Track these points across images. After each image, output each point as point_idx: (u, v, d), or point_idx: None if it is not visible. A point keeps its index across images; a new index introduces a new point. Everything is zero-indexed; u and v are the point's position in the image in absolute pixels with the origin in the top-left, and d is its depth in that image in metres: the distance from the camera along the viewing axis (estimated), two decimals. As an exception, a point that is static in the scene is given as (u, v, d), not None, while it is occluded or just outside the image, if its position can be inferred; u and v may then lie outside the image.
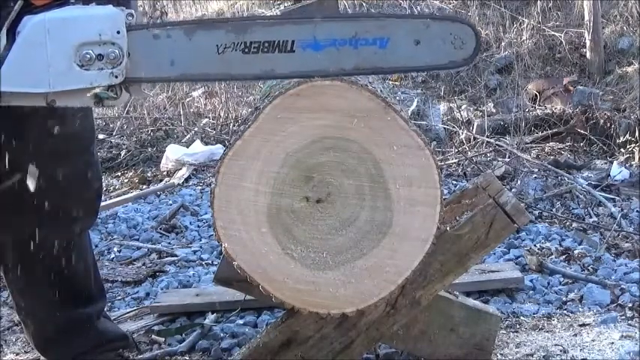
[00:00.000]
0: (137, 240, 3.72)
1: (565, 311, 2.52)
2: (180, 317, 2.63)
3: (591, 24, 6.51)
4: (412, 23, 1.62)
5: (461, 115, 5.71)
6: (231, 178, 1.57)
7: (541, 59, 6.81)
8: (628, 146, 4.76)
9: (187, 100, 6.24)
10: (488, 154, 4.82)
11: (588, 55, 6.65)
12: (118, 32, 1.53)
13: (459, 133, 5.24)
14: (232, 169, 1.57)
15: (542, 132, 5.34)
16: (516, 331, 2.37)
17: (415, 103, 5.66)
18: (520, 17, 7.16)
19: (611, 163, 4.57)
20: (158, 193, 4.70)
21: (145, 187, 4.93)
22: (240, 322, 2.56)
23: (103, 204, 4.09)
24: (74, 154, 1.96)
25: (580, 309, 2.54)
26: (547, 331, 2.36)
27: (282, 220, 1.58)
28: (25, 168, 1.86)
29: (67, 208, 1.98)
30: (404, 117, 1.59)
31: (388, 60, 1.61)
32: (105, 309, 2.29)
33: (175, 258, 3.39)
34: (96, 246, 3.54)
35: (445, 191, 3.55)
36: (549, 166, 4.44)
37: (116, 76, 1.54)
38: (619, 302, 2.55)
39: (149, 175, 5.20)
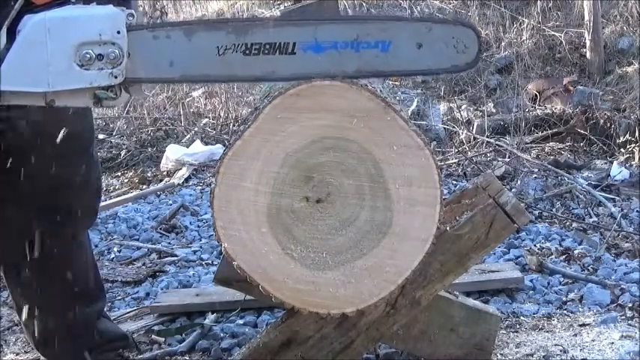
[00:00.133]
0: (137, 240, 3.72)
1: (565, 311, 2.52)
2: (180, 317, 2.63)
3: (591, 24, 6.51)
4: (414, 26, 1.62)
5: (461, 115, 5.71)
6: (231, 178, 1.57)
7: (541, 59, 6.81)
8: (628, 146, 4.76)
9: (187, 100, 6.25)
10: (489, 154, 4.82)
11: (588, 55, 6.65)
12: (119, 32, 1.53)
13: (459, 133, 5.24)
14: (232, 169, 1.57)
15: (542, 132, 5.34)
16: (516, 331, 2.37)
17: (415, 103, 5.66)
18: (520, 17, 7.16)
19: (611, 163, 4.57)
20: (158, 193, 4.71)
21: (145, 187, 4.94)
22: (240, 322, 2.56)
23: (103, 204, 4.10)
24: (74, 155, 1.96)
25: (580, 309, 2.54)
26: (547, 331, 2.36)
27: (282, 220, 1.58)
28: (25, 168, 1.86)
29: (66, 208, 1.98)
30: (404, 117, 1.58)
31: (390, 63, 1.60)
32: (105, 309, 2.29)
33: (175, 258, 3.39)
34: (96, 246, 3.54)
35: (445, 191, 3.55)
36: (549, 166, 4.44)
37: (116, 77, 1.54)
38: (619, 302, 2.55)
39: (149, 175, 5.20)
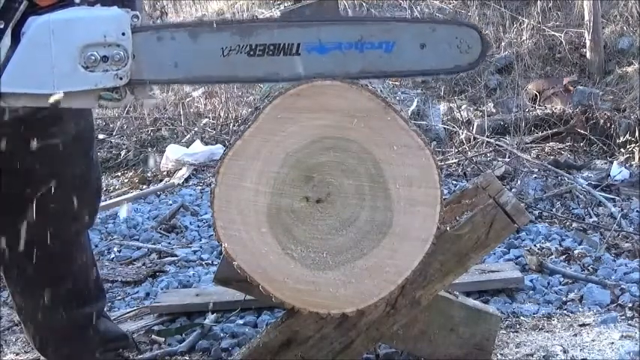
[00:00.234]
0: (137, 240, 3.72)
1: (565, 311, 2.52)
2: (180, 317, 2.63)
3: (591, 24, 6.51)
4: (418, 27, 1.62)
5: (461, 115, 5.71)
6: (231, 178, 1.57)
7: (541, 59, 6.81)
8: (628, 146, 4.76)
9: (187, 100, 6.25)
10: (488, 154, 4.82)
11: (588, 55, 6.65)
12: (123, 34, 1.52)
13: (459, 133, 5.24)
14: (232, 169, 1.57)
15: (542, 132, 5.34)
16: (516, 331, 2.37)
17: (415, 103, 5.66)
18: (520, 17, 7.16)
19: (611, 163, 4.57)
20: (158, 193, 4.71)
21: (145, 187, 4.94)
22: (240, 322, 2.56)
23: (103, 204, 4.10)
24: (74, 155, 1.96)
25: (580, 309, 2.54)
26: (547, 331, 2.36)
27: (282, 220, 1.58)
28: (25, 169, 1.86)
29: (66, 209, 1.98)
30: (404, 117, 1.59)
31: (394, 64, 1.61)
32: (105, 309, 2.29)
33: (175, 258, 3.39)
34: (96, 246, 3.54)
35: (445, 191, 3.55)
36: (549, 166, 4.44)
37: (121, 78, 1.54)
38: (619, 302, 2.55)
39: (149, 175, 5.20)
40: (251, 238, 1.58)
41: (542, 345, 2.24)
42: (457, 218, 1.85)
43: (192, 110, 6.20)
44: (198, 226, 3.91)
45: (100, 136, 5.75)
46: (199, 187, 4.74)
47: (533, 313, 2.50)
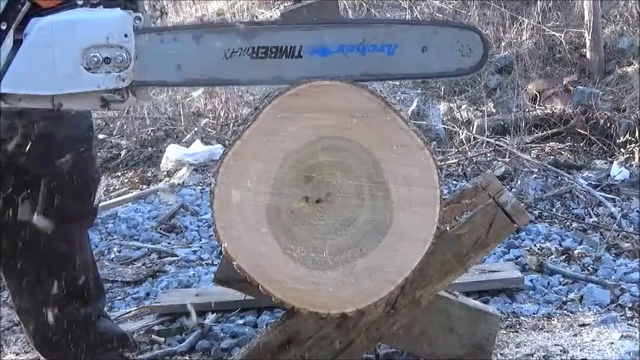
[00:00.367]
0: (137, 240, 3.72)
1: (565, 311, 2.52)
2: (180, 317, 2.63)
3: (591, 24, 6.51)
4: (420, 30, 1.62)
5: (461, 115, 5.71)
6: (231, 178, 1.57)
7: (541, 59, 6.81)
8: (628, 146, 4.76)
9: (187, 100, 6.25)
10: (489, 154, 4.82)
11: (588, 55, 6.65)
12: (126, 36, 1.52)
13: (459, 133, 5.24)
14: (232, 169, 1.57)
15: (542, 132, 5.34)
16: (516, 331, 2.37)
17: (415, 103, 5.66)
18: (520, 17, 7.16)
19: (611, 163, 4.57)
20: (158, 193, 4.71)
21: (145, 187, 4.94)
22: (240, 322, 2.56)
23: (103, 204, 4.11)
24: (73, 155, 1.96)
25: (580, 309, 2.54)
26: (547, 331, 2.36)
27: (281, 220, 1.58)
28: (24, 169, 1.86)
29: (65, 208, 1.98)
30: (403, 117, 1.58)
31: (396, 66, 1.61)
32: (105, 309, 2.29)
33: (175, 258, 3.39)
34: (96, 246, 3.54)
35: (445, 191, 3.55)
36: (549, 166, 4.44)
37: (123, 80, 1.54)
38: (619, 302, 2.55)
39: (149, 175, 5.20)
40: (251, 239, 1.58)
41: (542, 345, 2.24)
42: (457, 218, 1.85)
43: (192, 110, 6.20)
44: (198, 226, 3.91)
45: (100, 136, 5.75)
46: (199, 187, 4.74)
47: (533, 313, 2.50)
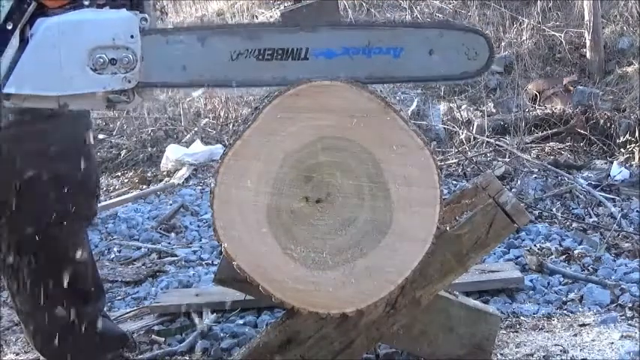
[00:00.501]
0: (137, 240, 3.72)
1: (565, 311, 2.52)
2: (180, 317, 2.63)
3: (591, 24, 6.51)
4: (426, 33, 1.62)
5: (461, 115, 5.70)
6: (231, 178, 1.57)
7: (541, 59, 6.81)
8: (628, 146, 4.76)
9: (187, 100, 6.25)
10: (489, 154, 4.82)
11: (588, 55, 6.65)
12: (132, 37, 1.52)
13: (459, 133, 5.24)
14: (232, 169, 1.57)
15: (542, 132, 5.34)
16: (516, 331, 2.37)
17: (415, 103, 5.65)
18: (520, 17, 7.16)
19: (611, 163, 4.57)
20: (158, 193, 4.71)
21: (145, 187, 4.94)
22: (240, 322, 2.56)
23: (103, 204, 4.11)
24: (72, 155, 1.96)
25: (580, 309, 2.54)
26: (547, 331, 2.36)
27: (282, 220, 1.58)
28: (23, 169, 1.86)
29: (65, 208, 1.98)
30: (403, 117, 1.58)
31: (401, 69, 1.61)
32: (105, 309, 2.29)
33: (175, 258, 3.39)
34: (96, 246, 3.54)
35: (445, 191, 3.55)
36: (549, 166, 4.44)
37: (129, 81, 1.53)
38: (619, 302, 2.55)
39: (149, 175, 5.20)
40: (251, 238, 1.58)
41: (542, 345, 2.24)
42: (457, 218, 1.85)
43: (192, 110, 6.20)
44: (198, 226, 3.91)
45: (100, 136, 5.75)
46: (199, 187, 4.74)
47: (533, 313, 2.50)
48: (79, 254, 2.09)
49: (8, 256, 2.03)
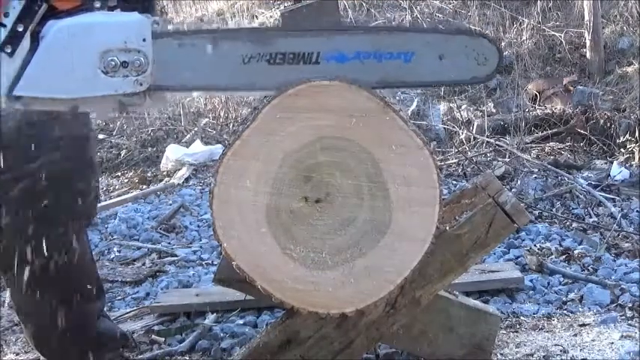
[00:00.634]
0: (137, 240, 3.72)
1: (565, 311, 2.52)
2: (180, 317, 2.63)
3: (591, 24, 6.51)
4: (437, 38, 1.64)
5: (461, 115, 5.71)
6: (230, 178, 1.57)
7: (541, 59, 6.81)
8: (628, 146, 4.76)
9: (187, 100, 6.25)
10: (489, 154, 4.82)
11: (588, 55, 6.65)
12: (144, 40, 1.51)
13: (459, 133, 5.24)
14: (231, 169, 1.57)
15: (542, 132, 5.34)
16: (516, 331, 2.37)
17: (415, 103, 5.65)
18: (520, 17, 7.16)
19: (611, 163, 4.57)
20: (158, 193, 4.71)
21: (145, 187, 4.94)
22: (240, 322, 2.56)
23: (103, 204, 4.11)
24: (71, 155, 1.96)
25: (580, 309, 2.54)
26: (547, 331, 2.36)
27: (281, 220, 1.58)
28: (22, 169, 1.86)
29: (64, 208, 1.98)
30: (403, 117, 1.58)
31: (412, 74, 1.62)
32: (105, 309, 2.29)
33: (175, 258, 3.39)
34: (96, 246, 3.54)
35: (445, 191, 3.55)
36: (549, 166, 4.44)
37: (141, 84, 1.53)
38: (619, 302, 2.56)
39: (149, 175, 5.21)
40: (250, 238, 1.58)
41: (542, 345, 2.24)
42: (456, 218, 1.85)
43: (192, 110, 6.20)
44: (198, 226, 3.91)
45: (100, 136, 5.76)
46: (199, 187, 4.74)
47: (533, 313, 2.50)
48: (78, 254, 2.09)
49: (8, 256, 2.03)
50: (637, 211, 3.69)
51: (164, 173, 5.17)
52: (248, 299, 2.32)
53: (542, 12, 7.22)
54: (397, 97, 5.83)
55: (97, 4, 1.52)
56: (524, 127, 5.25)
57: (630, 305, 2.51)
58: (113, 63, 1.51)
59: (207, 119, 6.01)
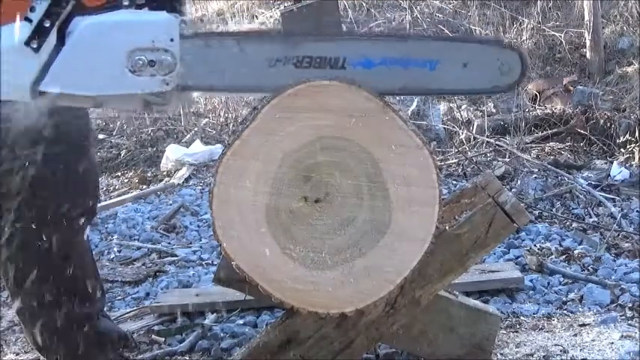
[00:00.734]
0: (137, 240, 3.72)
1: (565, 311, 2.52)
2: (180, 317, 2.63)
3: (591, 24, 6.51)
4: (462, 47, 1.65)
5: (461, 115, 5.71)
6: (229, 178, 1.57)
7: (541, 59, 6.81)
8: (628, 146, 4.76)
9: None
10: (488, 154, 4.82)
11: (588, 55, 6.65)
12: (172, 39, 1.51)
13: (459, 133, 5.24)
14: (231, 169, 1.57)
15: (542, 132, 5.34)
16: (516, 331, 2.37)
17: (415, 103, 5.65)
18: (520, 17, 7.16)
19: (611, 163, 4.57)
20: (158, 193, 4.71)
21: (145, 187, 4.94)
22: (240, 322, 2.56)
23: (103, 204, 4.11)
24: (71, 155, 1.96)
25: (580, 309, 2.54)
26: (547, 331, 2.36)
27: (280, 220, 1.58)
28: (22, 169, 1.86)
29: (64, 208, 1.98)
30: (402, 116, 1.58)
31: (436, 82, 1.63)
32: (105, 309, 2.29)
33: (175, 258, 3.39)
34: (96, 246, 3.54)
35: (445, 191, 3.55)
36: (549, 166, 4.44)
37: (167, 84, 1.52)
38: (619, 302, 2.55)
39: (149, 175, 5.21)
40: (250, 238, 1.58)
41: (542, 345, 2.23)
42: (456, 218, 1.85)
43: (192, 110, 6.20)
44: (198, 226, 3.91)
45: (100, 136, 5.76)
46: (199, 187, 4.74)
47: (533, 313, 2.50)
48: (78, 254, 2.09)
49: (8, 256, 2.03)
50: (637, 211, 3.68)
51: (164, 173, 5.17)
52: (248, 299, 2.32)
53: (542, 12, 7.22)
54: (397, 97, 5.82)
55: (126, 2, 1.51)
56: (524, 127, 5.25)
57: (630, 305, 2.51)
58: (140, 62, 1.50)
59: (207, 119, 6.01)
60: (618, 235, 3.31)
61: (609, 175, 4.32)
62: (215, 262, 3.22)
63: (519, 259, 3.00)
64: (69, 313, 2.08)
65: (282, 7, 6.12)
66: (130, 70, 1.50)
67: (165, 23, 1.52)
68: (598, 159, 4.83)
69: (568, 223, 3.54)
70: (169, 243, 3.68)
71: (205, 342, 2.42)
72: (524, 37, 6.96)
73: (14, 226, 1.97)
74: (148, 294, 2.94)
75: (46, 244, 1.98)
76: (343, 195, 1.58)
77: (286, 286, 1.60)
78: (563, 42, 6.83)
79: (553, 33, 6.93)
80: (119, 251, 3.55)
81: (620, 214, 3.56)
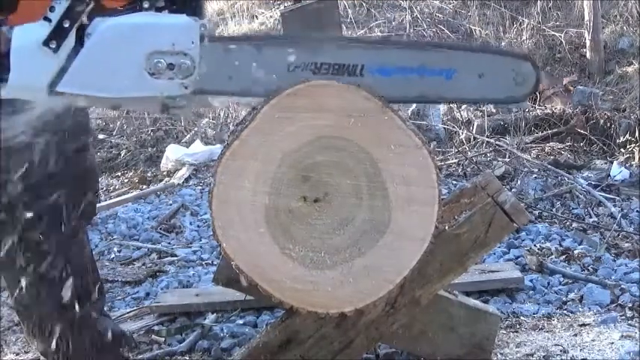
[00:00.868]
0: (137, 240, 3.73)
1: (565, 311, 2.52)
2: (180, 317, 2.63)
3: (591, 24, 6.51)
4: (479, 57, 1.66)
5: (461, 115, 5.70)
6: (229, 178, 1.57)
7: (541, 59, 6.80)
8: (628, 146, 4.76)
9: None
10: (488, 154, 4.82)
11: (588, 55, 6.65)
12: (192, 43, 1.50)
13: (459, 133, 5.24)
14: (230, 169, 1.57)
15: (542, 132, 5.34)
16: (516, 331, 2.37)
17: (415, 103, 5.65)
18: (520, 17, 7.16)
19: (611, 163, 4.57)
20: (158, 193, 4.71)
21: (145, 187, 4.94)
22: (240, 322, 2.56)
23: (103, 204, 4.11)
24: (71, 154, 1.96)
25: (580, 309, 2.54)
26: (547, 331, 2.36)
27: (280, 219, 1.58)
28: (22, 168, 1.86)
29: (64, 208, 1.98)
30: (401, 116, 1.58)
31: (452, 91, 1.65)
32: (105, 309, 2.29)
33: (175, 258, 3.39)
34: (96, 246, 3.55)
35: (445, 191, 3.55)
36: (549, 166, 4.44)
37: (186, 87, 1.52)
38: (619, 302, 2.55)
39: (149, 175, 5.21)
40: (249, 238, 1.58)
41: (542, 345, 2.23)
42: (456, 217, 1.85)
43: (192, 110, 6.19)
44: (198, 226, 3.91)
45: (100, 136, 5.76)
46: (199, 187, 4.74)
47: (533, 313, 2.50)
48: (78, 254, 2.09)
49: (8, 256, 2.03)
50: (637, 211, 3.68)
51: (164, 173, 5.17)
52: (248, 299, 2.32)
53: (542, 12, 7.22)
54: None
55: (146, 5, 1.50)
56: (524, 127, 5.25)
57: (630, 305, 2.51)
58: (160, 65, 1.49)
59: (207, 119, 6.01)
60: (618, 235, 3.31)
61: (609, 175, 4.32)
62: (215, 262, 3.22)
63: (519, 259, 3.00)
64: (69, 313, 2.07)
65: (282, 7, 6.12)
66: (148, 72, 1.49)
67: (186, 26, 1.51)
68: (598, 159, 4.82)
69: (568, 223, 3.54)
70: (169, 243, 3.68)
71: (205, 342, 2.42)
72: (524, 37, 6.96)
73: (15, 226, 1.97)
74: (148, 294, 2.94)
75: (46, 244, 1.98)
76: (342, 195, 1.58)
77: (285, 285, 1.59)
78: (563, 42, 6.83)
79: (553, 33, 6.93)
80: (119, 251, 3.55)
81: (620, 214, 3.56)
